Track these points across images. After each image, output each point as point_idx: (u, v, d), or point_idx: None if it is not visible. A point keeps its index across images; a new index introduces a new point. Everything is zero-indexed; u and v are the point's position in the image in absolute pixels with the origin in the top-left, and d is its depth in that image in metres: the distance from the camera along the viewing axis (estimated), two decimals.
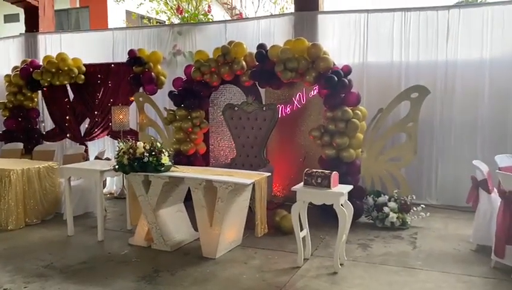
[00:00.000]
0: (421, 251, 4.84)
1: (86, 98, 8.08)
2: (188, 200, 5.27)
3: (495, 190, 4.70)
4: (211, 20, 9.19)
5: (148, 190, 4.85)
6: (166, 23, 10.71)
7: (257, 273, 4.26)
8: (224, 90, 7.16)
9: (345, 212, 4.16)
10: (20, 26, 13.74)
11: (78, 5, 16.54)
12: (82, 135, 8.21)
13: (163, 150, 4.86)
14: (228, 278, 4.16)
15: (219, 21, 8.89)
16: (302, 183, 4.36)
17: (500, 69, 6.39)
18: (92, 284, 4.08)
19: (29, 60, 8.34)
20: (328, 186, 4.16)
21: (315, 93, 6.47)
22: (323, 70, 5.90)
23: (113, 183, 7.96)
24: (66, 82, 7.93)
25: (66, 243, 5.26)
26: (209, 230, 4.64)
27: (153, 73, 7.37)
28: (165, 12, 10.27)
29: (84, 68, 7.93)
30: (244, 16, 12.63)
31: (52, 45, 9.06)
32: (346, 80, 5.81)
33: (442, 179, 6.79)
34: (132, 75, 7.43)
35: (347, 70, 5.94)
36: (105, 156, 6.75)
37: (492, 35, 6.42)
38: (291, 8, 11.40)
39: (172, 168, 4.93)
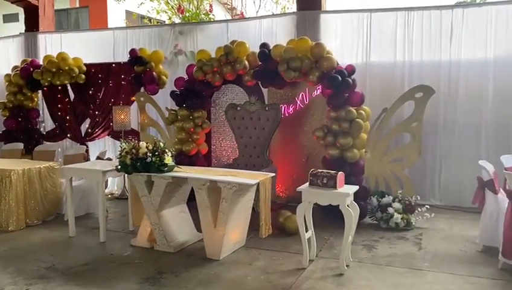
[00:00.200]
0: (427, 252, 4.79)
1: (87, 98, 8.02)
2: (190, 201, 5.25)
3: (501, 190, 4.65)
4: (212, 20, 9.13)
5: (151, 191, 4.79)
6: (167, 22, 10.65)
7: (262, 274, 4.21)
8: (226, 90, 7.11)
9: (352, 213, 4.11)
10: (19, 26, 13.67)
11: (77, 5, 16.49)
12: (82, 135, 8.15)
13: (166, 150, 4.81)
14: (233, 279, 4.11)
15: (221, 20, 8.85)
16: (307, 183, 4.31)
17: (504, 69, 6.35)
18: (94, 286, 4.03)
19: (30, 59, 8.28)
20: (334, 186, 4.11)
21: (318, 93, 6.42)
22: (327, 69, 5.85)
23: (114, 183, 7.91)
24: (66, 82, 7.88)
25: (68, 244, 5.20)
26: (213, 231, 4.58)
27: (154, 73, 7.32)
28: (166, 12, 10.22)
29: (84, 68, 7.88)
30: (245, 16, 12.56)
31: (52, 44, 9.01)
32: (350, 80, 5.76)
33: (445, 179, 6.75)
34: (133, 75, 7.37)
35: (351, 69, 5.89)
36: (106, 157, 6.69)
37: (496, 35, 6.38)
38: (292, 7, 11.39)
39: (175, 169, 4.88)
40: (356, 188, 4.35)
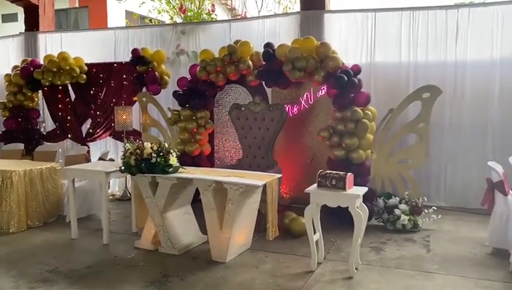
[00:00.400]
0: (436, 254, 4.73)
1: (88, 98, 7.94)
2: (193, 202, 5.17)
3: (511, 191, 4.59)
4: (214, 20, 9.05)
5: (156, 192, 4.72)
6: (169, 22, 10.56)
7: (270, 278, 4.13)
8: (229, 90, 7.04)
9: (361, 215, 4.04)
10: (18, 26, 13.58)
11: (77, 5, 16.39)
12: (83, 135, 8.06)
13: (171, 151, 4.73)
14: (240, 283, 4.03)
15: (223, 20, 8.80)
16: (315, 185, 4.24)
17: (511, 69, 6.29)
18: (98, 289, 3.95)
19: (30, 59, 8.19)
20: (344, 188, 4.04)
21: (323, 93, 6.35)
22: (332, 69, 5.78)
23: (115, 184, 7.82)
24: (67, 82, 7.79)
25: (70, 246, 5.11)
26: (219, 233, 4.51)
27: (156, 72, 7.24)
28: (168, 12, 10.14)
29: (86, 68, 7.80)
30: (247, 16, 12.48)
31: (52, 44, 8.93)
32: (356, 80, 5.69)
33: (451, 180, 6.69)
34: (135, 75, 7.30)
35: (357, 69, 5.82)
36: (108, 157, 6.60)
37: (502, 35, 6.33)
38: (294, 7, 11.33)
39: (180, 169, 4.80)
40: (365, 189, 4.27)
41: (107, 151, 6.87)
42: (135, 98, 7.41)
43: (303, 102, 6.53)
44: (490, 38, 6.38)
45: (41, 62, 8.02)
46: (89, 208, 6.24)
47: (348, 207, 4.04)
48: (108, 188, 7.15)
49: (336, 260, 4.55)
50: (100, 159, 6.51)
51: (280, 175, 4.80)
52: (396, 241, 5.15)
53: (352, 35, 6.97)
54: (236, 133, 6.41)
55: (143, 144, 4.71)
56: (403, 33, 6.73)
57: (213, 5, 9.56)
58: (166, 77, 7.44)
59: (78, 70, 7.65)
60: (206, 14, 9.27)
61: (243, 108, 6.28)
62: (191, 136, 6.71)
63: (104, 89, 7.80)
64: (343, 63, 5.89)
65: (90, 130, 7.94)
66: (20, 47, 9.24)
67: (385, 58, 6.86)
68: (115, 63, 7.82)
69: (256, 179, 4.54)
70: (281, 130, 6.09)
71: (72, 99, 8.12)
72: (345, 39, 6.98)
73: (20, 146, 7.48)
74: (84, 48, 8.41)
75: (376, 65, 6.84)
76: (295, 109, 6.54)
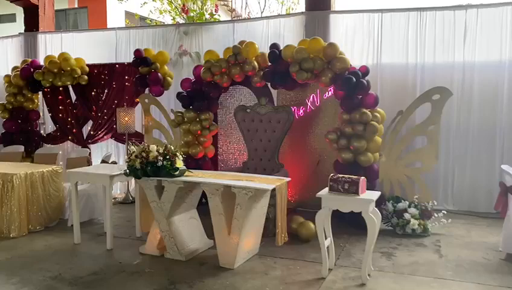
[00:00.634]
0: (449, 260, 4.61)
1: (89, 100, 7.81)
2: (197, 205, 5.05)
3: None
4: (217, 20, 8.94)
5: (161, 196, 4.59)
6: (171, 23, 10.44)
7: (280, 285, 4.01)
8: (233, 91, 6.92)
9: (375, 220, 3.93)
10: (16, 27, 13.45)
11: (76, 5, 16.24)
12: (84, 137, 7.92)
13: (178, 154, 4.61)
14: None
15: (226, 21, 8.68)
16: (326, 189, 4.12)
17: None
18: None
19: (30, 60, 8.05)
20: (356, 192, 3.93)
21: (330, 94, 6.24)
22: (340, 70, 5.68)
23: (116, 188, 7.69)
24: (68, 83, 7.66)
25: (73, 251, 4.97)
26: (227, 239, 4.38)
27: (159, 74, 7.11)
28: (170, 12, 10.01)
29: (87, 68, 7.67)
30: (250, 16, 12.37)
31: (52, 44, 8.81)
32: (364, 81, 5.59)
33: (459, 184, 6.61)
34: (138, 76, 7.17)
35: (365, 70, 5.72)
36: (111, 160, 6.47)
37: (511, 36, 6.23)
38: (297, 8, 11.22)
39: (187, 173, 4.68)
40: (378, 193, 4.16)
41: (109, 153, 6.75)
42: (137, 100, 7.28)
43: (309, 104, 6.41)
44: (499, 39, 6.31)
45: (42, 63, 7.88)
46: (91, 211, 6.11)
47: (360, 212, 3.92)
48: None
49: (347, 266, 4.43)
50: (103, 161, 6.38)
51: (289, 179, 4.68)
52: (407, 246, 5.04)
53: (359, 36, 6.88)
54: (241, 135, 6.29)
55: (148, 146, 4.58)
56: (410, 34, 6.65)
57: (216, 6, 9.45)
58: (169, 78, 7.32)
59: (79, 71, 7.52)
60: (209, 14, 9.15)
61: (248, 110, 6.16)
62: (194, 139, 6.60)
63: (106, 91, 7.67)
64: (350, 64, 5.79)
65: (92, 132, 7.79)
66: (20, 48, 9.11)
67: (392, 59, 6.77)
68: (116, 64, 7.70)
69: (266, 182, 4.42)
70: (287, 132, 5.97)
71: (73, 101, 7.98)
72: (351, 40, 6.90)
73: (20, 148, 7.36)
74: (85, 48, 8.31)
75: (382, 67, 6.76)
76: (301, 111, 6.43)
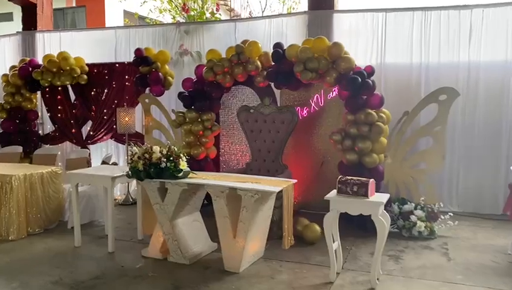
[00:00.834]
0: (457, 263, 4.53)
1: (89, 100, 7.70)
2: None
3: None
4: (218, 19, 8.84)
5: (165, 198, 4.49)
6: (171, 22, 10.32)
7: (287, 289, 3.91)
8: (236, 91, 6.83)
9: (385, 223, 3.85)
10: (13, 26, 13.30)
11: (74, 4, 16.09)
12: (84, 138, 7.80)
13: (181, 155, 4.51)
14: None
15: (228, 20, 8.59)
16: (334, 191, 4.04)
17: None
18: None
19: (28, 59, 7.92)
20: (366, 195, 3.84)
21: (334, 95, 6.16)
22: (345, 70, 5.60)
23: (116, 189, 7.57)
24: (67, 82, 7.54)
25: (74, 255, 4.86)
26: (232, 242, 4.29)
27: (160, 73, 7.00)
28: (170, 11, 9.89)
29: (87, 68, 7.55)
30: (252, 15, 12.25)
31: (50, 43, 8.68)
32: (370, 81, 5.50)
33: (464, 185, 6.53)
34: (138, 76, 7.06)
35: (370, 70, 5.63)
36: (112, 161, 6.36)
37: None
38: (299, 7, 11.12)
39: (190, 175, 4.58)
40: (387, 196, 4.08)
41: (110, 154, 6.64)
42: (138, 100, 7.17)
43: (313, 104, 6.33)
44: (505, 39, 6.24)
45: (40, 62, 7.76)
46: (92, 213, 6.00)
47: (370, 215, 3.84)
48: None
49: (354, 269, 4.34)
50: (103, 163, 6.27)
51: (295, 180, 4.58)
52: (413, 249, 4.96)
53: (362, 36, 6.79)
54: (244, 136, 6.19)
55: (151, 147, 4.48)
56: (414, 34, 6.57)
57: (217, 5, 9.34)
58: (170, 78, 7.21)
59: (78, 70, 7.41)
60: (210, 13, 9.04)
61: (252, 110, 6.06)
62: (196, 139, 6.50)
63: (106, 90, 7.56)
64: (355, 64, 5.70)
65: (91, 133, 7.68)
66: (17, 47, 8.98)
67: (396, 59, 6.69)
68: (116, 63, 7.59)
69: (271, 184, 4.33)
70: (292, 133, 5.87)
71: (72, 101, 7.86)
72: (354, 40, 6.80)
73: (19, 149, 7.25)
74: (84, 47, 8.18)
75: (386, 66, 6.67)
76: (305, 112, 6.34)
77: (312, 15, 6.98)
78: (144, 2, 10.14)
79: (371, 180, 3.91)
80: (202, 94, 6.41)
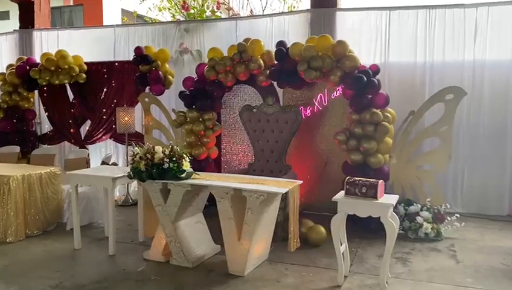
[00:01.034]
0: (466, 265, 4.45)
1: (87, 99, 7.58)
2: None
3: None
4: (219, 18, 8.73)
5: (167, 200, 4.38)
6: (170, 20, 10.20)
7: None
8: (237, 90, 6.72)
9: (394, 225, 3.75)
10: (9, 24, 13.14)
11: (71, 3, 15.93)
12: (82, 137, 7.68)
13: (184, 155, 4.40)
14: None
15: (229, 18, 8.47)
16: (342, 192, 3.94)
17: None
18: None
19: (26, 57, 7.79)
20: (375, 196, 3.74)
21: (338, 94, 6.06)
22: (349, 69, 5.49)
23: (116, 189, 7.42)
24: (66, 81, 7.42)
25: (74, 257, 4.74)
26: (236, 244, 4.18)
27: (160, 72, 6.89)
28: (169, 9, 9.77)
29: (85, 66, 7.43)
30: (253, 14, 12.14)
31: (48, 42, 8.56)
32: (375, 80, 5.41)
33: (468, 186, 6.43)
34: (138, 74, 6.94)
35: (375, 69, 5.54)
36: (111, 161, 6.24)
37: None
38: (299, 6, 11.02)
39: (194, 175, 4.47)
40: (396, 197, 3.98)
41: (109, 155, 6.52)
42: (137, 99, 7.06)
43: (316, 103, 6.23)
44: (510, 37, 6.15)
45: (38, 60, 7.63)
46: (91, 215, 5.89)
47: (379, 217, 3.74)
48: None
49: (362, 272, 4.25)
50: (103, 163, 6.15)
51: (301, 181, 4.47)
52: (420, 251, 4.87)
53: (366, 35, 6.69)
54: (247, 136, 6.08)
55: (153, 147, 4.37)
56: (418, 32, 6.47)
57: (218, 3, 9.22)
58: (170, 77, 7.11)
59: (77, 69, 7.29)
60: (210, 11, 8.92)
61: (254, 110, 5.95)
62: (197, 139, 6.39)
63: (105, 89, 7.43)
64: (360, 63, 5.61)
65: (90, 132, 7.55)
66: (14, 45, 8.85)
67: (400, 58, 6.59)
68: (116, 62, 7.48)
69: (276, 185, 4.23)
70: (295, 133, 5.77)
71: (71, 100, 7.74)
72: (357, 38, 6.69)
73: (16, 149, 7.12)
74: (82, 46, 8.06)
75: (390, 65, 6.58)
76: (308, 111, 6.23)
77: (314, 13, 6.89)
78: (142, 0, 10.01)
79: (380, 181, 3.81)
80: (203, 93, 6.30)
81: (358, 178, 3.90)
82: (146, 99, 6.93)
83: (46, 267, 4.40)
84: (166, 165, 4.25)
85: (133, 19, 11.76)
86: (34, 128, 8.06)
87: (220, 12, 9.23)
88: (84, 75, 7.38)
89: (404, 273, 4.25)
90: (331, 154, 6.24)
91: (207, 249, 4.69)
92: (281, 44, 5.91)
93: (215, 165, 6.65)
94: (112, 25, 8.45)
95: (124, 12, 14.70)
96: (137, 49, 6.87)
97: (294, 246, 4.20)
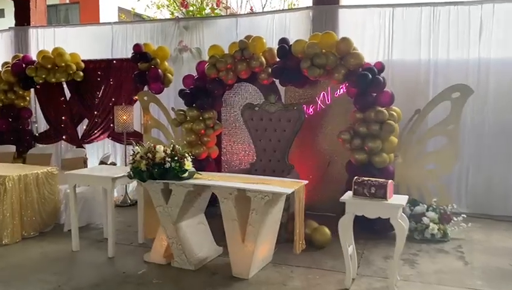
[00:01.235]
0: (475, 267, 4.35)
1: (85, 97, 7.44)
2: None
3: None
4: (219, 15, 8.60)
5: (169, 200, 4.25)
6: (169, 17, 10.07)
7: None
8: (238, 88, 6.59)
9: (404, 227, 3.64)
10: (4, 22, 12.98)
11: (67, 1, 15.76)
12: (79, 137, 7.53)
13: (186, 155, 4.27)
14: None
15: (230, 15, 8.34)
16: (350, 193, 3.83)
17: None
18: None
19: (22, 55, 7.64)
20: (384, 197, 3.63)
21: (341, 92, 5.95)
22: (354, 67, 5.38)
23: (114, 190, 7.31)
24: (62, 79, 7.27)
25: (72, 260, 4.60)
26: (240, 246, 4.06)
27: (159, 70, 6.75)
28: (168, 7, 9.62)
29: (83, 64, 7.29)
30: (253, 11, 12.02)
31: (44, 39, 8.41)
32: (380, 78, 5.30)
33: (473, 185, 6.33)
34: (137, 72, 6.80)
35: (380, 67, 5.43)
36: (110, 161, 6.10)
37: None
38: (299, 3, 10.91)
39: (196, 175, 4.34)
40: (406, 198, 3.87)
41: (108, 154, 6.38)
42: (136, 97, 6.93)
43: (319, 102, 6.11)
44: None
45: (34, 58, 7.48)
46: (89, 216, 5.74)
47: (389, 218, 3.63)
48: None
49: (369, 275, 4.14)
50: (101, 163, 6.01)
51: (306, 181, 4.36)
52: (427, 252, 4.77)
53: (369, 32, 6.58)
54: (249, 135, 5.95)
55: (155, 147, 4.24)
56: (422, 30, 6.36)
57: (218, 0, 9.09)
58: (169, 75, 6.98)
59: (74, 67, 7.14)
60: (210, 9, 8.79)
61: (256, 108, 5.83)
62: (197, 138, 6.26)
63: (103, 88, 7.29)
64: (364, 61, 5.50)
65: (87, 131, 7.40)
66: (9, 43, 8.71)
67: (403, 56, 6.49)
68: (114, 59, 7.33)
69: (281, 185, 4.11)
70: (298, 131, 5.65)
71: (68, 98, 7.59)
72: (360, 36, 6.57)
73: (12, 148, 6.97)
74: (79, 44, 7.91)
75: (394, 63, 6.47)
76: (311, 110, 6.12)
77: (316, 10, 6.78)
78: None
79: (390, 181, 3.70)
80: (204, 91, 6.17)
81: (366, 178, 3.79)
82: (145, 98, 6.79)
83: (44, 270, 4.26)
84: (167, 165, 4.13)
85: (130, 17, 11.61)
86: (30, 127, 7.91)
87: (220, 10, 9.09)
88: (81, 73, 7.23)
89: (412, 275, 4.15)
90: (334, 154, 6.13)
91: (209, 251, 4.56)
92: (283, 41, 5.79)
93: (216, 165, 6.53)
94: (110, 23, 8.30)
95: (121, 10, 14.54)
96: (136, 47, 6.73)
97: (299, 248, 4.10)
